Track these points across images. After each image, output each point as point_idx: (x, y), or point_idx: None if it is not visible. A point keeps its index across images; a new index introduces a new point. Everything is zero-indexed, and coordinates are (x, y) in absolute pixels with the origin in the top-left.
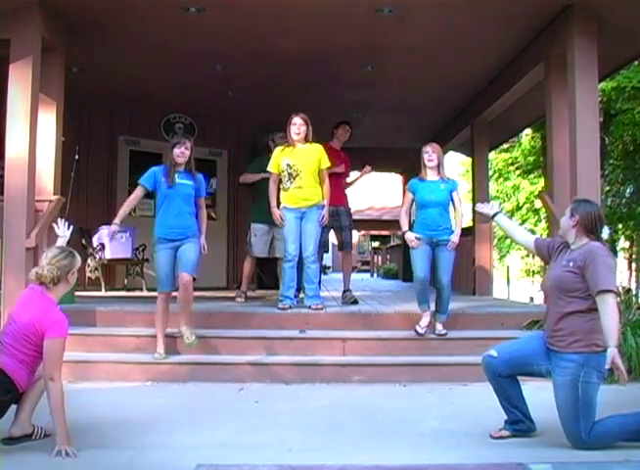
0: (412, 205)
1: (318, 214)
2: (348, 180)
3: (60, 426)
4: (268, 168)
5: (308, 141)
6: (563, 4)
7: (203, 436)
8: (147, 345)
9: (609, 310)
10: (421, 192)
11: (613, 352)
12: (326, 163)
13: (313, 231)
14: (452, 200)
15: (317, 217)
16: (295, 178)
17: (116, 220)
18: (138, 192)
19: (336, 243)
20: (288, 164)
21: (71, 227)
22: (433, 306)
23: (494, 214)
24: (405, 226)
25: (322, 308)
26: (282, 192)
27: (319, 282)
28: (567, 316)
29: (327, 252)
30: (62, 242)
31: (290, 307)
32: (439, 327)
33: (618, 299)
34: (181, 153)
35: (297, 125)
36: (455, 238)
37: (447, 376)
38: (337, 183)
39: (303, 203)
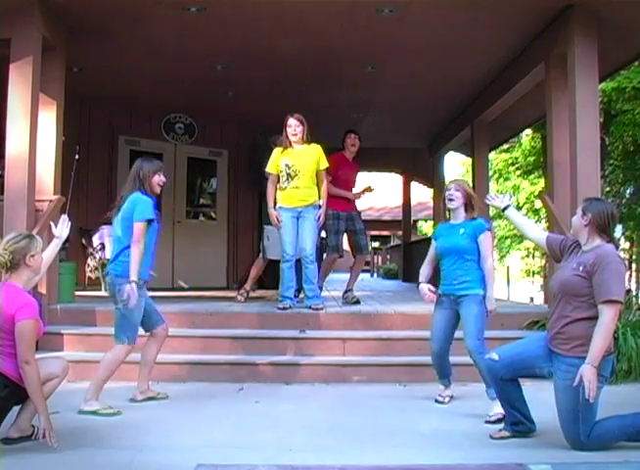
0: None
1: (314, 214)
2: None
3: (40, 408)
4: (267, 169)
5: (305, 141)
6: (563, 4)
7: (202, 436)
8: None
9: (601, 326)
10: (440, 238)
11: (584, 370)
12: (324, 163)
13: (310, 230)
14: (478, 245)
15: (314, 216)
16: (293, 178)
17: (134, 278)
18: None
19: (348, 248)
20: (287, 165)
21: (69, 224)
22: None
23: (505, 207)
24: (421, 276)
25: (322, 308)
26: (278, 191)
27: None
28: (572, 321)
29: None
30: (58, 242)
31: (290, 307)
32: (495, 410)
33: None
34: (163, 182)
35: (293, 127)
36: (490, 305)
37: None
38: (348, 188)
39: (300, 203)
